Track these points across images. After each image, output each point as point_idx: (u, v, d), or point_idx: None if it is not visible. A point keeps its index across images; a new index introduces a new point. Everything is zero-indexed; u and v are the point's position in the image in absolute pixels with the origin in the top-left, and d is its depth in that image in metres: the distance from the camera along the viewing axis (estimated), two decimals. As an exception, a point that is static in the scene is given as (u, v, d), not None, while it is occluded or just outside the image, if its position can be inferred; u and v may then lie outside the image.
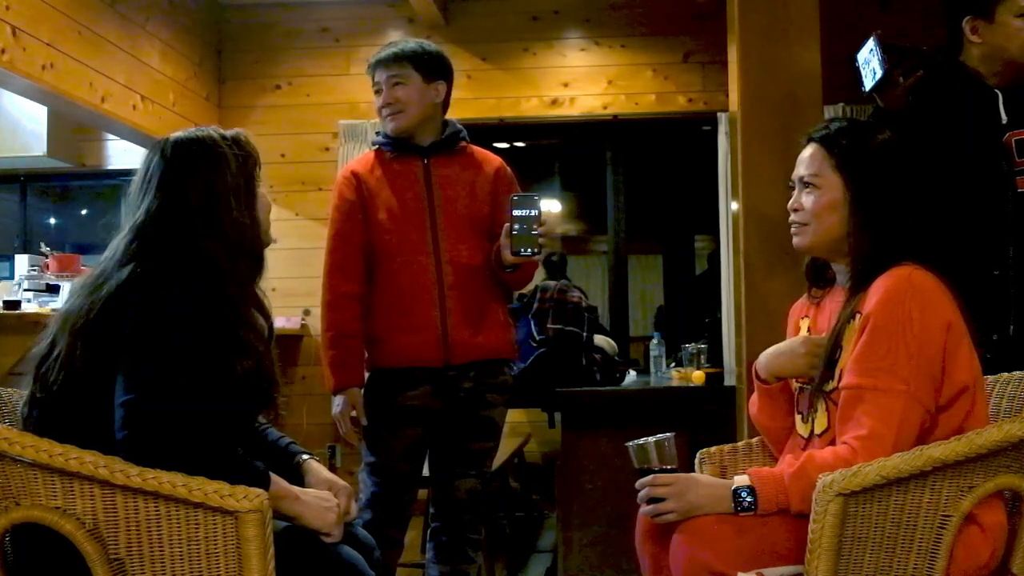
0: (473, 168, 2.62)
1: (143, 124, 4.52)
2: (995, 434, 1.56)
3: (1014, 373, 1.90)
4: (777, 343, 2.00)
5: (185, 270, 1.65)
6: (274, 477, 1.66)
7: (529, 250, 2.35)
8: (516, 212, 2.35)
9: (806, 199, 1.82)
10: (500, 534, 4.36)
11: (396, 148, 2.61)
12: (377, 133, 2.71)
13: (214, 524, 1.49)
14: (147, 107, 4.56)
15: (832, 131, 1.82)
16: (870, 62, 2.20)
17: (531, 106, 5.31)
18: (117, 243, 1.72)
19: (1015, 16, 2.32)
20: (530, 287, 3.67)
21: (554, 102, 5.31)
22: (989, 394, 1.89)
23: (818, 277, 1.93)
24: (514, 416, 5.15)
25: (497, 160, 2.69)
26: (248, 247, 1.74)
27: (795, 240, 1.86)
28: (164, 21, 4.77)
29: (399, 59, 2.56)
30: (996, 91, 2.36)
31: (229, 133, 1.79)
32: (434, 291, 2.50)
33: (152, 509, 1.49)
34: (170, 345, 1.57)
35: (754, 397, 1.98)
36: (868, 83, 2.22)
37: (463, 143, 2.65)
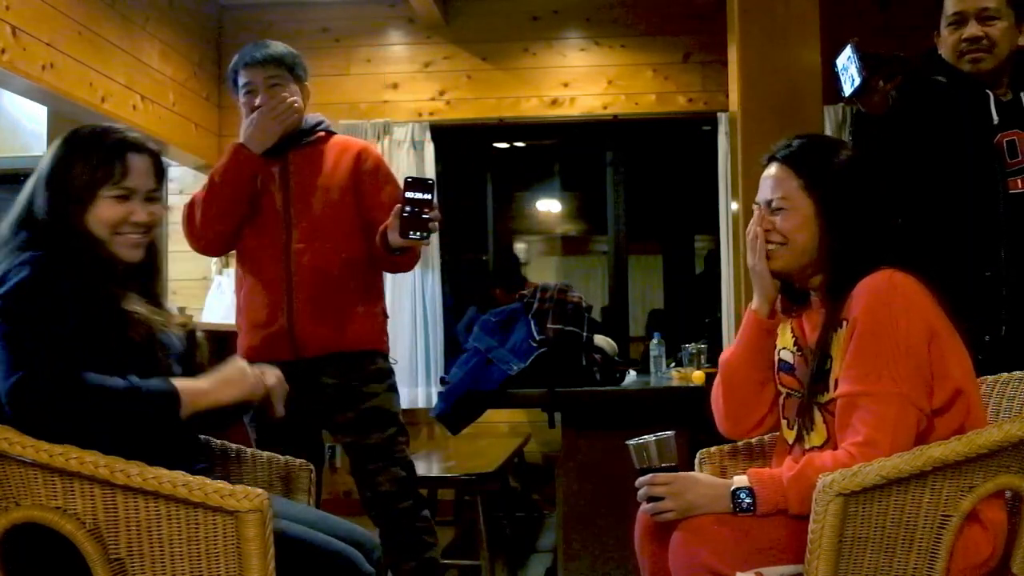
0: (332, 159, 2.61)
1: (143, 124, 4.52)
2: (995, 434, 1.56)
3: (1014, 373, 1.90)
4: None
5: (49, 255, 1.68)
6: (179, 383, 1.69)
7: (418, 234, 2.29)
8: (408, 194, 2.28)
9: (775, 219, 1.80)
10: (500, 534, 4.36)
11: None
12: None
13: (214, 524, 1.49)
14: (147, 107, 4.56)
15: (795, 148, 1.81)
16: (848, 69, 2.21)
17: (531, 106, 5.31)
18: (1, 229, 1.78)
19: (945, 26, 2.42)
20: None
21: (554, 102, 5.31)
22: (989, 394, 1.90)
23: (791, 293, 1.90)
24: (514, 416, 5.15)
25: (358, 144, 2.68)
26: (80, 249, 1.74)
27: (773, 263, 1.82)
28: (164, 21, 4.77)
29: (277, 62, 2.57)
30: (987, 92, 2.37)
31: (114, 137, 1.80)
32: (281, 288, 2.52)
33: (152, 509, 1.49)
34: (36, 320, 1.60)
35: (734, 345, 1.95)
36: (847, 89, 2.24)
37: (321, 133, 2.64)
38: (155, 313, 1.79)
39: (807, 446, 1.78)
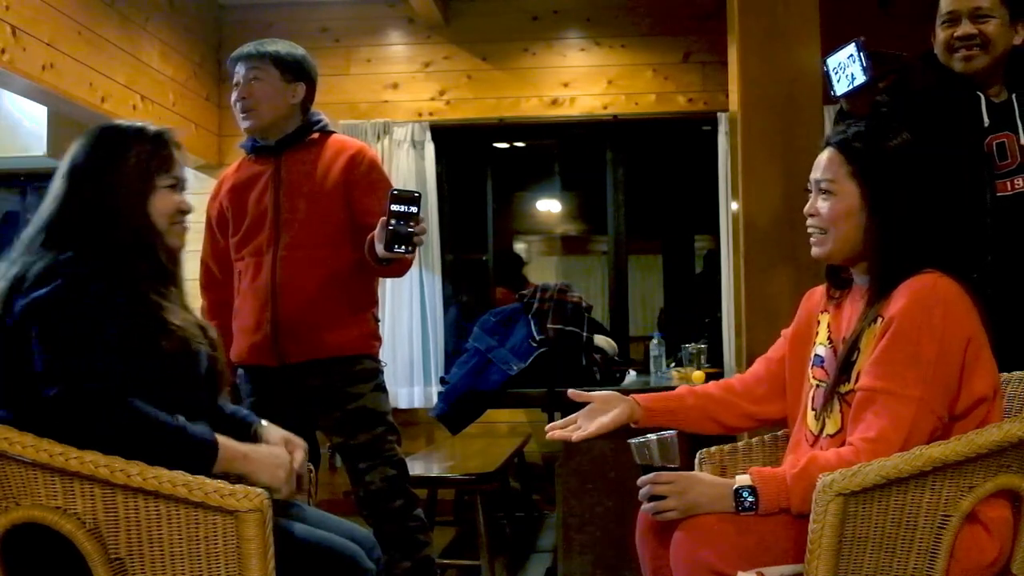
0: (326, 161, 2.58)
1: (143, 124, 4.52)
2: (995, 434, 1.56)
3: (1014, 373, 1.91)
4: (776, 340, 2.00)
5: (80, 263, 1.65)
6: (222, 439, 1.67)
7: (403, 248, 2.26)
8: (394, 207, 2.24)
9: (822, 205, 1.80)
10: (500, 534, 4.36)
11: (253, 150, 2.64)
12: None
13: (214, 524, 1.49)
14: (147, 107, 4.56)
15: (849, 136, 1.79)
16: (847, 67, 2.19)
17: (531, 106, 5.30)
18: (23, 235, 1.75)
19: (939, 24, 2.43)
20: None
21: (554, 102, 5.31)
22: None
23: (836, 277, 1.92)
24: (514, 416, 5.15)
25: (355, 146, 2.64)
26: (137, 245, 1.74)
27: (814, 250, 1.84)
28: (164, 21, 4.77)
29: (261, 56, 2.57)
30: (979, 94, 2.37)
31: (151, 129, 1.81)
32: (267, 292, 2.51)
33: (152, 509, 1.49)
34: (72, 335, 1.57)
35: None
36: (841, 88, 2.22)
37: (316, 134, 2.62)
38: (190, 325, 1.77)
39: (823, 434, 1.78)
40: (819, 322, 1.92)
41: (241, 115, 2.58)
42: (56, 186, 1.77)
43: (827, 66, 2.23)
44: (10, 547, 1.59)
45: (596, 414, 1.96)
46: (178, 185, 1.82)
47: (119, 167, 1.75)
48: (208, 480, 1.49)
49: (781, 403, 1.99)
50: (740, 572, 1.58)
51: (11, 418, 1.59)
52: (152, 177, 1.77)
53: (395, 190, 2.29)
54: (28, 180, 5.87)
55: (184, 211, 1.83)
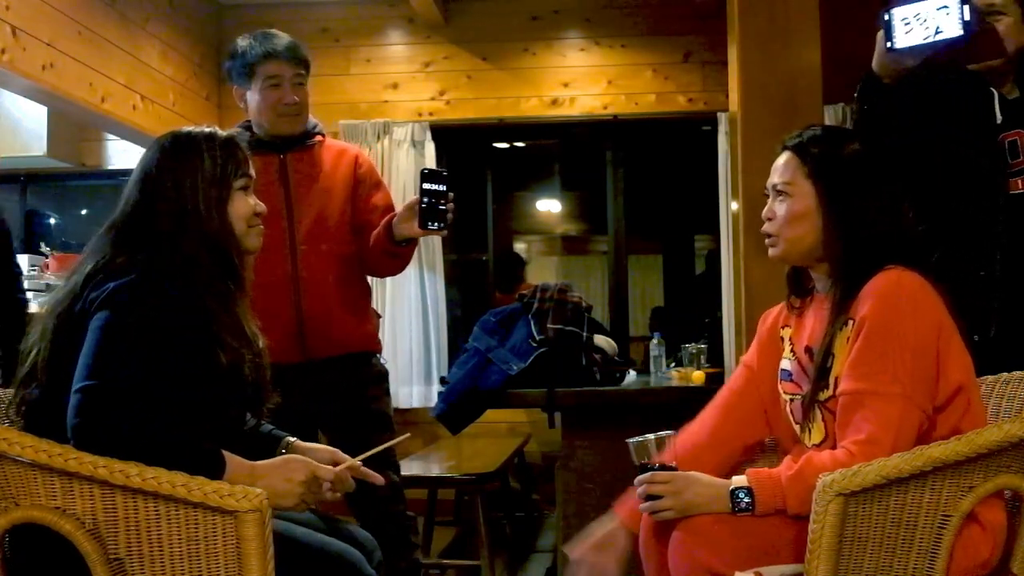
0: (330, 161, 2.63)
1: (143, 124, 4.52)
2: (995, 434, 1.56)
3: (1014, 373, 1.90)
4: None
5: (155, 263, 1.64)
6: (232, 463, 1.59)
7: (436, 224, 2.36)
8: (425, 186, 2.35)
9: (779, 207, 1.82)
10: (500, 534, 4.36)
11: (253, 145, 2.62)
12: (240, 129, 2.63)
13: (214, 524, 1.49)
14: (147, 107, 4.56)
15: (805, 139, 1.82)
16: (929, 19, 2.02)
17: (531, 106, 5.31)
18: (95, 238, 1.74)
19: None
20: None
21: (554, 102, 5.31)
22: (989, 394, 1.89)
23: (798, 286, 1.92)
24: (514, 416, 5.15)
25: (353, 150, 2.72)
26: (215, 249, 1.73)
27: (770, 252, 1.86)
28: (164, 21, 4.77)
29: (301, 62, 2.60)
30: (992, 90, 2.34)
31: (221, 134, 1.81)
32: (290, 289, 2.51)
33: (152, 509, 1.49)
34: (132, 332, 1.55)
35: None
36: (903, 41, 2.07)
37: (318, 136, 2.66)
38: (245, 342, 1.73)
39: (808, 445, 1.78)
40: (783, 338, 1.92)
41: (286, 118, 2.57)
42: (128, 192, 1.75)
43: (891, 15, 2.09)
44: (10, 547, 1.60)
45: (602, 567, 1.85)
46: (250, 187, 1.82)
47: (196, 173, 1.73)
48: (207, 480, 1.49)
49: (754, 429, 1.96)
50: (738, 573, 1.58)
51: (41, 399, 1.61)
52: (228, 180, 1.76)
53: (426, 169, 2.40)
54: (28, 180, 5.88)
55: (259, 213, 1.82)
